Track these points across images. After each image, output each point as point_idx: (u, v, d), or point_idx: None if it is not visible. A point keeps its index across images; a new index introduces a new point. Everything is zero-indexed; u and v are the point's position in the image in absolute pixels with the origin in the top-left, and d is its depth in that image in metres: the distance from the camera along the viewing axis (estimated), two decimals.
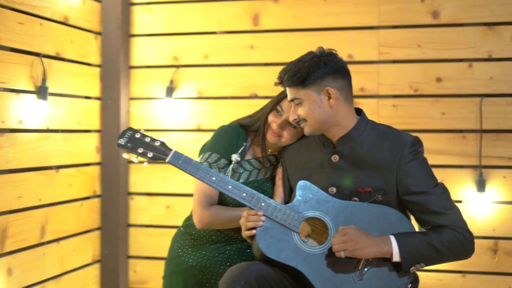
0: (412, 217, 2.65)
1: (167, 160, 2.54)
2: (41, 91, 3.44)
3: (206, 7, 4.09)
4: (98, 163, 4.08)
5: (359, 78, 3.81)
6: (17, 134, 3.31)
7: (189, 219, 3.00)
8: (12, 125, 3.27)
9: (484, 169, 3.65)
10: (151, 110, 4.16)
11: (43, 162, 3.53)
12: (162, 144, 2.57)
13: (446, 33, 3.74)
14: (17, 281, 3.29)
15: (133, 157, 2.57)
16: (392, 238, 2.46)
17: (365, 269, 2.47)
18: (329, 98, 2.55)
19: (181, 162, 2.54)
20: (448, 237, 2.48)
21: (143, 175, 4.16)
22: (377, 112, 3.80)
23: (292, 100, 2.60)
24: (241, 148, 2.86)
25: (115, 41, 4.12)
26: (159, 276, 3.32)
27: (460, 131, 3.72)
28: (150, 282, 4.15)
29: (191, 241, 2.96)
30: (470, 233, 2.53)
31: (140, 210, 4.16)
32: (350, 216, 2.52)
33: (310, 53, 2.61)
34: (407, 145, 2.55)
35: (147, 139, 2.57)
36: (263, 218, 2.50)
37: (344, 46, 3.86)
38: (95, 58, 4.07)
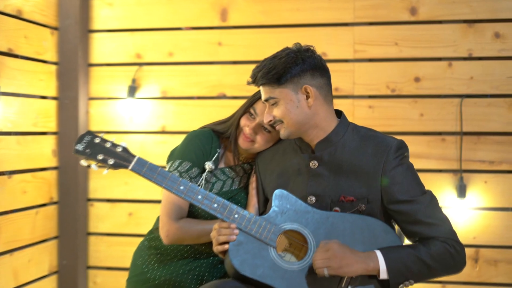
0: (397, 228, 2.46)
1: (129, 168, 2.30)
2: None
3: (171, 1, 3.85)
4: (55, 168, 3.81)
5: (334, 78, 3.46)
6: None
7: (153, 231, 2.74)
8: None
9: (465, 174, 3.49)
10: (112, 110, 3.90)
11: None
12: (125, 149, 2.32)
13: (425, 30, 3.57)
14: None
15: (92, 164, 2.32)
16: (379, 254, 2.26)
17: (349, 282, 2.26)
18: (307, 97, 2.34)
19: (146, 170, 2.30)
20: (437, 250, 2.29)
21: (104, 180, 3.90)
22: (352, 113, 3.61)
23: (266, 100, 2.38)
24: (215, 156, 2.63)
25: (73, 37, 3.85)
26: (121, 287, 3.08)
27: (440, 133, 3.55)
28: None
29: (157, 256, 2.70)
30: (461, 245, 2.34)
31: (101, 218, 3.91)
32: (332, 228, 2.31)
33: (286, 49, 2.39)
34: (392, 149, 2.35)
35: (108, 144, 2.32)
36: (236, 231, 2.27)
37: (317, 44, 3.61)
38: (52, 55, 3.79)
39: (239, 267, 2.23)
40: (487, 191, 3.48)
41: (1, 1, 3.33)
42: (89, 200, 3.92)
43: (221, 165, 2.68)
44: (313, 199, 2.38)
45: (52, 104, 3.80)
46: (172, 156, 2.67)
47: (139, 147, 3.80)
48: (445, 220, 2.36)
